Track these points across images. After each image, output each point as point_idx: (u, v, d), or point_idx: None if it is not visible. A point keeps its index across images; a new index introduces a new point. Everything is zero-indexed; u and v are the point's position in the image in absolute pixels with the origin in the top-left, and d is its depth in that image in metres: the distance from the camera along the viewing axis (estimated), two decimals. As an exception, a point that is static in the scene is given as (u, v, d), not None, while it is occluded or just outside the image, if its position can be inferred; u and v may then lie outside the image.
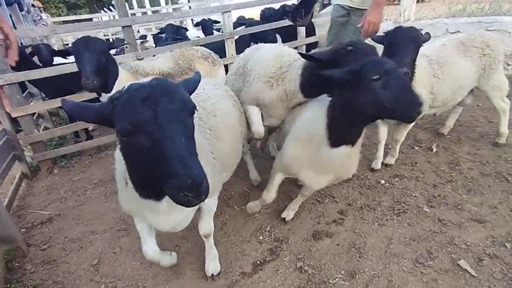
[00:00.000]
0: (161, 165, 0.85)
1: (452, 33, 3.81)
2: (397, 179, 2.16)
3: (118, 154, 1.17)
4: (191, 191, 0.82)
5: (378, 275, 1.45)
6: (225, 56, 3.47)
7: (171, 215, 1.19)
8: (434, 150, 2.41)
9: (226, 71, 2.60)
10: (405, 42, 1.71)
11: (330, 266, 1.52)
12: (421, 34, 1.76)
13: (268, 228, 1.82)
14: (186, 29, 5.24)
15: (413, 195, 1.98)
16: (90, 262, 1.72)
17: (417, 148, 2.50)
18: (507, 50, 3.31)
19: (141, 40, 6.01)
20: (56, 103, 2.85)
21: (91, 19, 9.02)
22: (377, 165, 2.26)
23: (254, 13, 6.06)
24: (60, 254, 1.81)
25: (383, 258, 1.54)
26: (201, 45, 3.00)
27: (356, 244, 1.64)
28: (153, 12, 9.54)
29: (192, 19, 8.17)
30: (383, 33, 1.87)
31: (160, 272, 1.60)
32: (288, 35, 4.04)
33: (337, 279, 1.45)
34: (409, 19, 4.24)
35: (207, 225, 1.48)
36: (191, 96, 0.96)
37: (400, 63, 1.51)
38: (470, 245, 1.56)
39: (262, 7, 4.38)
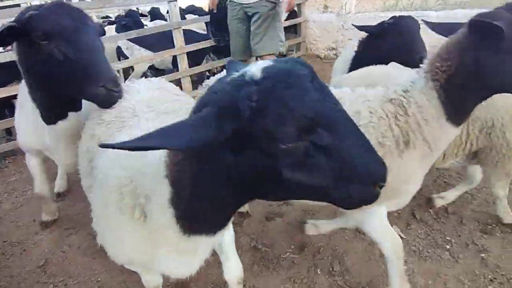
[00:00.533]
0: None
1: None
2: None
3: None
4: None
5: (324, 246, 1.60)
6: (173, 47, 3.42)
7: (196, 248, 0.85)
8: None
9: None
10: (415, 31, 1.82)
11: (281, 243, 1.63)
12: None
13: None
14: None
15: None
16: (36, 264, 1.63)
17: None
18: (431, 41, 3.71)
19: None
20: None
21: (18, 5, 8.13)
22: None
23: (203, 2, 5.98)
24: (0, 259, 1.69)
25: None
26: (145, 35, 2.94)
27: (305, 221, 1.77)
28: (93, -1, 8.87)
29: (137, 8, 7.79)
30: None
31: (116, 266, 1.58)
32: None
33: (288, 253, 1.56)
34: (350, 11, 4.53)
35: (237, 264, 1.16)
36: None
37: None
38: (400, 213, 1.78)
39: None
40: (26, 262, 1.65)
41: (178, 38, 3.44)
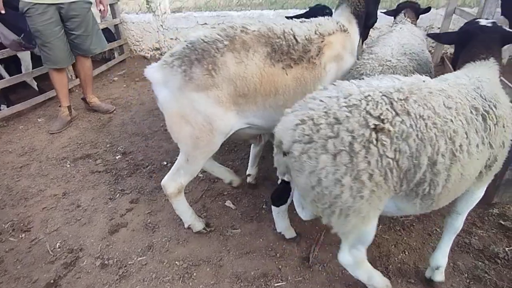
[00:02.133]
0: None
1: (201, 24, 4.56)
2: (177, 157, 2.55)
3: None
4: None
5: (170, 238, 1.77)
6: None
7: None
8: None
9: None
10: None
11: (128, 250, 1.70)
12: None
13: (58, 244, 1.77)
14: None
15: (191, 166, 2.43)
16: None
17: (190, 127, 3.00)
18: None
19: None
20: None
21: None
22: None
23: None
24: None
25: (172, 224, 1.87)
26: None
27: (149, 223, 1.88)
28: None
29: None
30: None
31: None
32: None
33: (134, 258, 1.65)
34: (166, 12, 4.68)
35: None
36: None
37: None
38: (230, 190, 2.15)
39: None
40: None
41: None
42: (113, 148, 2.73)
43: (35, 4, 2.54)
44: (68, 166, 2.50)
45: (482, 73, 1.27)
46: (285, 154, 1.11)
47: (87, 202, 2.07)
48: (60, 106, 3.08)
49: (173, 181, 1.63)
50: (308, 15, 2.09)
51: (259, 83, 1.43)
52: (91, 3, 2.90)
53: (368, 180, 0.99)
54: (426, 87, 1.10)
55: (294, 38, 1.53)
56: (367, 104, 1.02)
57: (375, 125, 0.99)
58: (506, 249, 1.50)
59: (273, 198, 1.60)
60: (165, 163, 2.48)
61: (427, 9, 2.46)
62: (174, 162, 2.43)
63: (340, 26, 1.75)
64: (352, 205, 1.02)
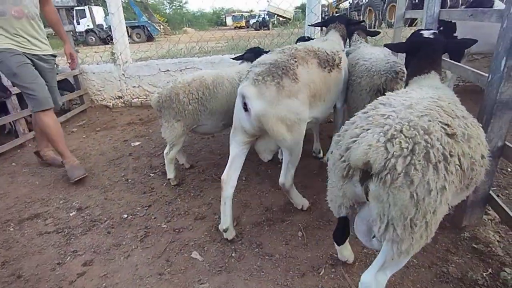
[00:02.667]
0: None
1: (163, 71, 4.59)
2: (139, 208, 2.36)
3: None
4: None
5: None
6: None
7: None
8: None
9: None
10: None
11: None
12: None
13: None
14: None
15: (153, 217, 2.24)
16: None
17: (152, 175, 2.84)
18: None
19: None
20: None
21: None
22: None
23: None
24: None
25: (131, 285, 1.65)
26: None
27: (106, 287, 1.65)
28: None
29: None
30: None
31: None
32: None
33: None
34: (128, 61, 4.69)
35: None
36: None
37: None
38: (196, 240, 1.98)
39: None
40: None
41: None
42: (67, 204, 2.49)
43: (6, 49, 2.45)
44: (12, 229, 2.21)
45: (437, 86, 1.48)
46: (364, 180, 1.10)
47: (30, 271, 1.80)
48: (65, 159, 2.80)
49: (286, 178, 1.98)
50: (247, 55, 2.79)
51: (320, 84, 1.94)
52: (56, 56, 2.89)
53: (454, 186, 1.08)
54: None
55: (326, 52, 2.06)
56: (437, 114, 1.12)
57: (450, 131, 1.08)
58: (484, 274, 1.45)
59: (337, 240, 1.56)
60: (125, 215, 2.27)
61: (376, 32, 2.99)
62: (136, 214, 2.28)
63: None
64: (440, 215, 1.07)
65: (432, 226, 1.05)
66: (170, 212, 2.28)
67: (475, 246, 1.62)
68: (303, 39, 3.00)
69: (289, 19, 20.86)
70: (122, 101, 4.84)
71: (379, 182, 1.02)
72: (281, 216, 2.13)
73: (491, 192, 1.67)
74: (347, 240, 1.58)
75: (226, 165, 1.94)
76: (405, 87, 1.65)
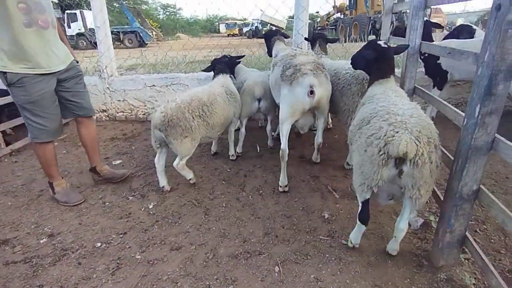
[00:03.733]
0: None
1: (149, 86, 4.53)
2: (114, 235, 2.29)
3: None
4: None
5: None
6: None
7: None
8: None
9: None
10: None
11: None
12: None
13: None
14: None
15: (127, 246, 2.16)
16: None
17: (131, 198, 2.76)
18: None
19: None
20: None
21: None
22: None
23: None
24: None
25: (97, 328, 1.58)
26: None
27: None
28: None
29: None
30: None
31: None
32: None
33: None
34: (113, 74, 4.61)
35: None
36: None
37: None
38: (170, 273, 1.91)
39: None
40: None
41: None
42: (39, 229, 2.39)
43: (31, 74, 2.21)
44: (-23, 259, 2.11)
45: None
46: (398, 165, 1.55)
47: (-9, 309, 1.71)
48: (55, 182, 2.67)
49: (321, 137, 2.92)
50: (219, 67, 3.26)
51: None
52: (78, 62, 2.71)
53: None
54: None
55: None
56: (424, 119, 1.66)
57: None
58: (458, 322, 1.44)
59: (364, 220, 1.84)
60: (99, 244, 2.19)
61: (335, 40, 3.78)
62: (110, 242, 2.20)
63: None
64: None
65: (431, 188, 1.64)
66: (146, 241, 2.21)
67: (450, 289, 1.61)
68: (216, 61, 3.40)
69: (282, 28, 21.17)
70: (107, 114, 4.75)
71: (412, 164, 1.52)
72: (258, 248, 2.08)
73: (467, 233, 1.66)
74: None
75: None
76: (367, 88, 2.22)
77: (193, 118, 2.61)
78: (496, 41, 1.27)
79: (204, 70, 3.43)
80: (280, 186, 2.72)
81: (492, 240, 2.03)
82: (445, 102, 1.95)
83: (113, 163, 3.43)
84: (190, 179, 2.84)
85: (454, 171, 1.59)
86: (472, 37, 3.59)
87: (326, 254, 1.97)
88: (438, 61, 3.39)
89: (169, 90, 4.49)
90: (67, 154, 3.80)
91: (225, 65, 3.33)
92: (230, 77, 3.30)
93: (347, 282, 1.74)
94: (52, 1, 2.41)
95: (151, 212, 2.53)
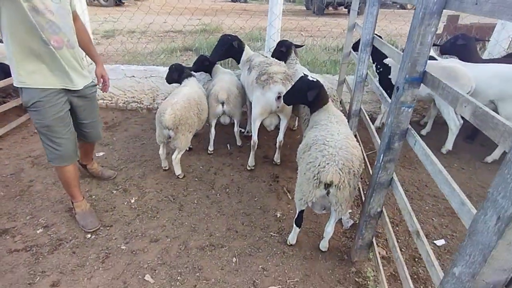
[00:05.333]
0: None
1: (129, 77, 4.74)
2: (101, 228, 2.73)
3: None
4: None
5: None
6: None
7: None
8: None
9: None
10: None
11: None
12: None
13: None
14: None
15: (114, 238, 2.63)
16: None
17: (115, 191, 3.18)
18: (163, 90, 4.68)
19: None
20: None
21: None
22: None
23: None
24: None
25: (93, 306, 2.07)
26: None
27: None
28: None
29: None
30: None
31: None
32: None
33: None
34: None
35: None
36: None
37: None
38: (150, 262, 2.41)
39: None
40: None
41: None
42: (34, 220, 2.79)
43: (45, 96, 2.16)
44: (-17, 246, 2.50)
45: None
46: (326, 187, 2.05)
47: (4, 290, 2.15)
48: (76, 202, 2.71)
49: (283, 136, 3.49)
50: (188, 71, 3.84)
51: None
52: (96, 85, 2.68)
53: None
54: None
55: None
56: (351, 150, 2.16)
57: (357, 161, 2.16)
58: (355, 303, 2.05)
59: (298, 224, 2.43)
60: (89, 235, 2.63)
61: (302, 45, 4.14)
62: (99, 234, 2.65)
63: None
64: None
65: (350, 203, 2.19)
66: (129, 233, 2.67)
67: (357, 279, 2.22)
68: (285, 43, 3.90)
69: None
70: (87, 100, 4.95)
71: (336, 188, 2.02)
72: (221, 241, 2.61)
73: (373, 239, 2.25)
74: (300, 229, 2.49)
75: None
76: (311, 114, 2.69)
77: (195, 115, 3.23)
78: (394, 114, 1.75)
79: (192, 70, 3.96)
80: (249, 166, 3.56)
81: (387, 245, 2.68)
82: (374, 132, 2.46)
83: (96, 155, 3.77)
84: (178, 175, 3.35)
85: (366, 197, 2.13)
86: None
87: (273, 248, 2.53)
88: (389, 76, 3.86)
89: (148, 81, 4.73)
90: (50, 142, 4.06)
91: (202, 67, 3.96)
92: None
93: (285, 271, 2.32)
94: None
95: (133, 207, 2.97)
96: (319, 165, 2.03)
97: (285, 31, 9.60)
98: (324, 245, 2.46)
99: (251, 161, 3.54)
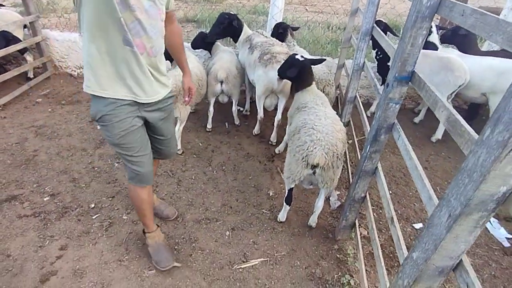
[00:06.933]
0: None
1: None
2: (104, 198, 2.91)
3: None
4: None
5: (96, 283, 2.18)
6: None
7: None
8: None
9: None
10: None
11: None
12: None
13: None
14: None
15: (116, 208, 2.81)
16: None
17: (116, 164, 3.33)
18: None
19: None
20: None
21: None
22: None
23: None
24: None
25: (97, 269, 2.28)
26: None
27: (78, 269, 2.26)
28: None
29: None
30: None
31: None
32: None
33: None
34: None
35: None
36: None
37: None
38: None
39: None
40: None
41: None
42: (40, 188, 2.96)
43: (114, 110, 1.76)
44: (-6, 210, 2.68)
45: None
46: (313, 168, 2.25)
47: (16, 251, 2.35)
48: (148, 232, 2.36)
49: (281, 115, 3.65)
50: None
51: None
52: (173, 96, 2.18)
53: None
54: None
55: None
56: (336, 134, 2.35)
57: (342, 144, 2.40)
58: (335, 276, 2.28)
59: (288, 203, 2.63)
60: (92, 205, 2.82)
61: (298, 27, 4.27)
62: (102, 204, 2.83)
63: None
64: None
65: (336, 180, 2.38)
66: (130, 204, 2.85)
67: (338, 256, 2.44)
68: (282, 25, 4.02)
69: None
70: (87, 71, 4.97)
71: (321, 169, 2.22)
72: (216, 216, 2.81)
73: (356, 221, 2.45)
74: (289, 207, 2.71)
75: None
76: (296, 93, 2.86)
77: (199, 88, 3.45)
78: (382, 108, 1.87)
79: (193, 46, 4.11)
80: (254, 132, 3.95)
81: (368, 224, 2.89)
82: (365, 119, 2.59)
83: (98, 128, 3.88)
84: (178, 150, 3.45)
85: (351, 183, 2.29)
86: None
87: (264, 224, 2.74)
88: (388, 63, 3.91)
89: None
90: (52, 113, 4.17)
91: (202, 44, 4.07)
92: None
93: (274, 246, 2.53)
94: None
95: (134, 180, 3.14)
96: (307, 149, 2.21)
97: (289, 5, 9.39)
98: (313, 219, 2.66)
99: (257, 129, 3.91)
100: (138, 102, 1.84)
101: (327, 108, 2.59)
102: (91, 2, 1.55)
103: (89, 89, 1.75)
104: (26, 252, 2.36)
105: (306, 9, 10.05)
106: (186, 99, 2.32)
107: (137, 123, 1.90)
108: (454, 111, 1.23)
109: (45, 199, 2.84)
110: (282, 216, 2.72)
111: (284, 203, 2.62)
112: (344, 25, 6.57)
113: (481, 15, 1.11)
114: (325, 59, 2.93)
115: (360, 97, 4.72)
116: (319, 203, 2.53)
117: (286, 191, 2.55)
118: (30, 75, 4.73)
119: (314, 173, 2.26)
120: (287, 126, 3.10)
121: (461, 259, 1.02)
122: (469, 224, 0.92)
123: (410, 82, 1.73)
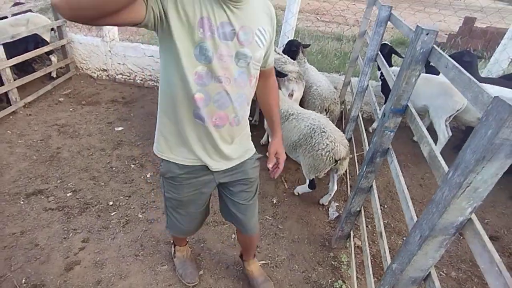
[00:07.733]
0: None
1: (148, 56, 5.03)
2: (121, 197, 3.17)
3: None
4: None
5: (114, 274, 2.44)
6: None
7: None
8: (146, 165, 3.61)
9: None
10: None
11: (82, 285, 2.34)
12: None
13: (24, 280, 2.33)
14: None
15: (132, 207, 3.07)
16: None
17: (133, 166, 3.60)
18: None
19: None
20: None
21: None
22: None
23: None
24: None
25: (116, 261, 2.53)
26: None
27: (98, 261, 2.52)
28: None
29: None
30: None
31: None
32: None
33: (88, 291, 2.31)
34: (115, 39, 5.03)
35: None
36: None
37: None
38: (162, 231, 2.86)
39: None
40: None
41: None
42: (64, 184, 3.23)
43: (185, 173, 1.62)
44: (22, 203, 2.95)
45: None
46: (335, 162, 2.84)
47: (43, 241, 2.62)
48: (178, 245, 2.49)
49: None
50: None
51: None
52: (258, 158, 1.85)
53: None
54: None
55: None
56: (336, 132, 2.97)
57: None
58: (329, 281, 2.52)
59: (312, 187, 3.12)
60: (111, 203, 3.08)
61: (309, 45, 4.40)
62: (119, 202, 3.09)
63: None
64: None
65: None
66: (145, 204, 3.11)
67: (333, 263, 2.68)
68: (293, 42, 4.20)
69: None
70: (107, 74, 5.27)
71: (342, 160, 2.81)
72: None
73: (351, 232, 2.68)
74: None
75: None
76: None
77: None
78: (379, 135, 2.11)
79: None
80: (262, 142, 4.10)
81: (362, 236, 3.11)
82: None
83: (116, 129, 4.16)
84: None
85: (348, 198, 2.53)
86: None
87: (267, 230, 2.98)
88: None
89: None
90: (73, 112, 4.45)
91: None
92: None
93: (275, 250, 2.77)
94: None
95: (149, 181, 3.40)
96: (332, 149, 2.78)
97: (301, 13, 9.65)
98: (326, 199, 3.25)
99: (264, 139, 4.11)
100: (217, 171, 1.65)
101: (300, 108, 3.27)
102: (167, 70, 1.33)
103: (160, 153, 1.64)
104: (52, 242, 2.62)
105: (318, 18, 10.30)
106: (270, 166, 1.78)
107: (204, 187, 1.72)
108: (435, 147, 1.47)
109: (68, 194, 3.11)
110: (301, 190, 3.35)
111: (308, 188, 3.15)
112: (354, 37, 6.82)
113: (459, 71, 1.35)
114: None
115: (363, 113, 4.97)
116: (335, 186, 3.12)
117: (308, 181, 3.12)
118: (53, 74, 5.02)
119: (336, 164, 2.85)
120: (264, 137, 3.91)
121: (430, 272, 1.26)
122: (435, 244, 1.16)
123: (403, 114, 1.97)
